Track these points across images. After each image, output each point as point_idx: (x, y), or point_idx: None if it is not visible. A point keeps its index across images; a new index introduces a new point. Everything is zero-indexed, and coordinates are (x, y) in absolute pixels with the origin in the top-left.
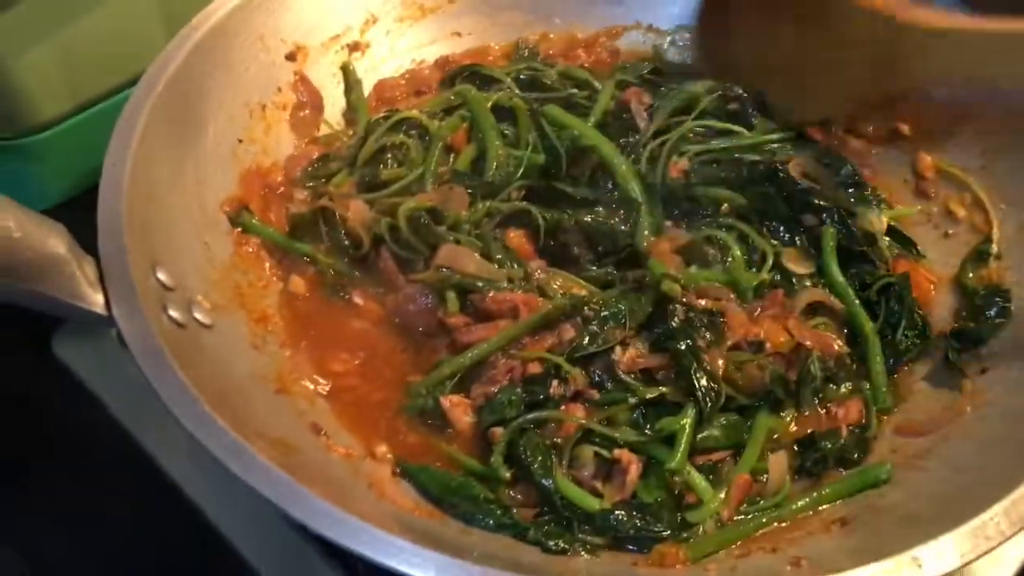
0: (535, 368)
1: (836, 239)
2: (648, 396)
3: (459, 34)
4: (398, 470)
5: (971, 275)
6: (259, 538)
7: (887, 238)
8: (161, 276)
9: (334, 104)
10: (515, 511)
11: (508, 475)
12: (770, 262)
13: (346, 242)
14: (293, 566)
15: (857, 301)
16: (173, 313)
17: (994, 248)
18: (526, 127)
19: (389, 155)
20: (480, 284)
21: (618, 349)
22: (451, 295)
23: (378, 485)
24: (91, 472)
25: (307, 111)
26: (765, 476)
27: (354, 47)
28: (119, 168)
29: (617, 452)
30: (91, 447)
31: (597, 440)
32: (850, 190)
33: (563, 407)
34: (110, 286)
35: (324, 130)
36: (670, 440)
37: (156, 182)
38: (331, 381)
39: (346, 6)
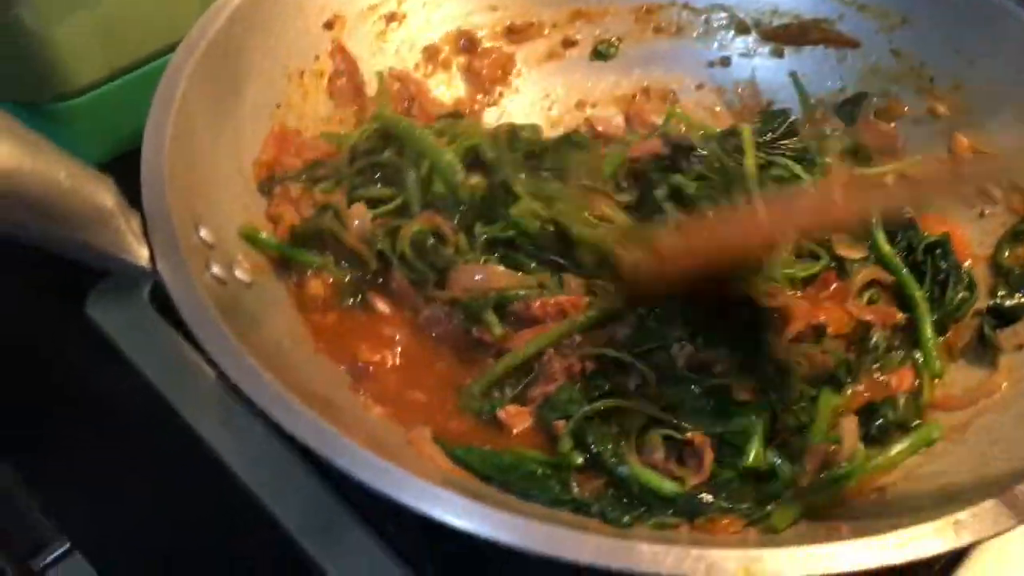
0: (592, 366)
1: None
2: (711, 384)
3: (495, 8)
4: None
5: (1007, 254)
6: (292, 500)
7: None
8: (203, 234)
9: (369, 78)
10: (576, 487)
11: (580, 460)
12: (825, 260)
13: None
14: (325, 527)
15: (905, 269)
16: (216, 270)
17: None
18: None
19: (379, 172)
20: (520, 293)
21: (675, 345)
22: (490, 315)
23: (417, 443)
24: (120, 434)
25: (344, 80)
26: (833, 446)
27: (391, 17)
28: (161, 129)
29: (690, 434)
30: (121, 409)
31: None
32: None
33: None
34: (155, 241)
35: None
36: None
37: (197, 144)
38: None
39: None
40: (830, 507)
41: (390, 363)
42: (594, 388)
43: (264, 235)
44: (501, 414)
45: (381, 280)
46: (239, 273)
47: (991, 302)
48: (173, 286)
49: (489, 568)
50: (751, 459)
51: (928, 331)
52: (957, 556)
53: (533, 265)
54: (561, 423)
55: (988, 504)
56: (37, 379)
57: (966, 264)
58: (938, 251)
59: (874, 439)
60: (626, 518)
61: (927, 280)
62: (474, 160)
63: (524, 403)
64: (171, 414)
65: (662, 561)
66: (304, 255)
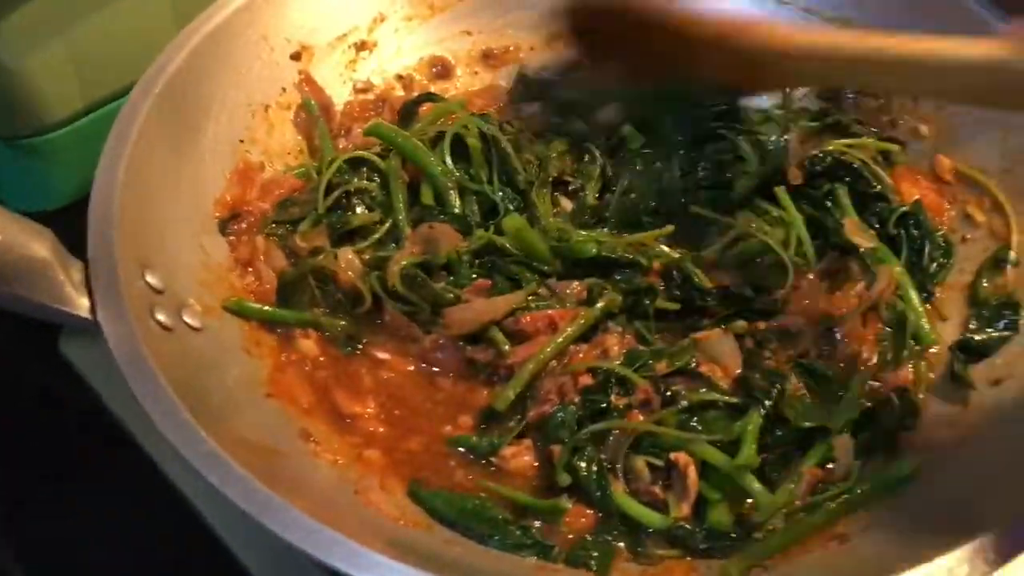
0: (587, 380)
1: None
2: (705, 399)
3: (469, 32)
4: (408, 494)
5: (986, 283)
6: (263, 551)
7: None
8: (151, 279)
9: (340, 106)
10: (536, 529)
11: (569, 504)
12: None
13: (340, 298)
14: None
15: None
16: (160, 317)
17: (1012, 255)
18: (480, 163)
19: (355, 199)
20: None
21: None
22: (496, 333)
23: (364, 493)
24: (93, 475)
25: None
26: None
27: (361, 46)
28: (113, 170)
29: (673, 456)
30: (94, 449)
31: (649, 449)
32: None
33: (627, 416)
34: (96, 290)
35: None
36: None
37: (152, 184)
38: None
39: (353, 5)
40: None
41: (374, 411)
42: (596, 403)
43: (252, 304)
44: (502, 457)
45: (378, 321)
46: (188, 318)
47: (961, 336)
48: (111, 337)
49: None
50: (744, 458)
51: (915, 301)
52: None
53: (526, 273)
54: (557, 448)
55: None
56: (10, 416)
57: (943, 207)
58: (911, 221)
59: (874, 450)
60: (593, 561)
61: (903, 253)
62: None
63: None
64: (140, 454)
65: None
66: (296, 315)
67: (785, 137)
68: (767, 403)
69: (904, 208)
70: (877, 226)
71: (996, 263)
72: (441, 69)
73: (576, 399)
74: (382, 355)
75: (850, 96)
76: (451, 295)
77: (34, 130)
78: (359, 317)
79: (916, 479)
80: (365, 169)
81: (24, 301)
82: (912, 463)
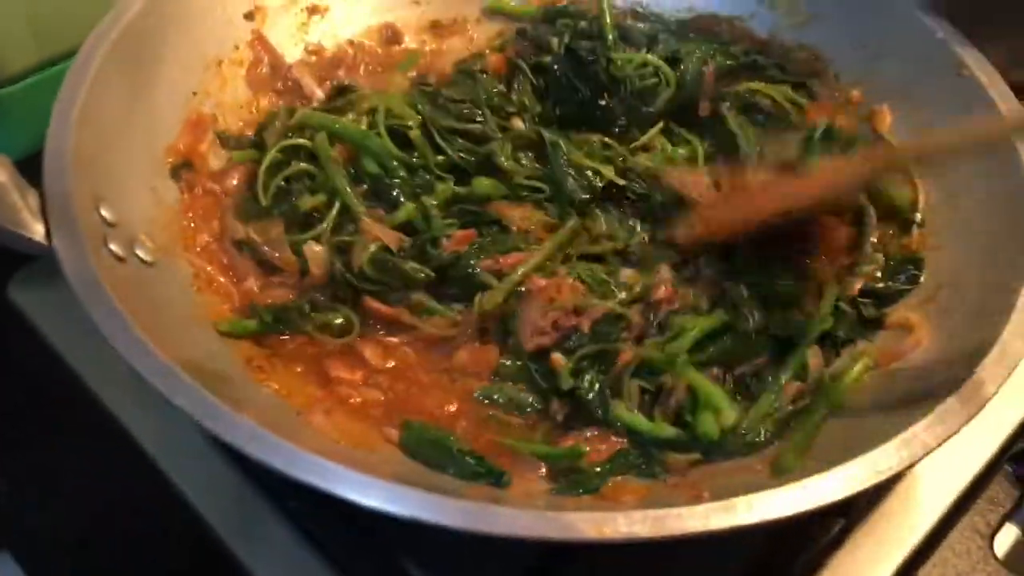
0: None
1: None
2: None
3: (418, 3)
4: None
5: (895, 242)
6: (211, 490)
7: None
8: (104, 212)
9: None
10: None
11: (587, 448)
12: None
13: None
14: (243, 518)
15: None
16: (113, 247)
17: (918, 216)
18: (424, 152)
19: (296, 184)
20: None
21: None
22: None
23: (307, 415)
24: (43, 418)
25: (264, 68)
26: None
27: (313, 10)
28: (68, 109)
29: (663, 378)
30: (44, 393)
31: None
32: None
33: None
34: (51, 217)
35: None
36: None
37: (106, 124)
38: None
39: None
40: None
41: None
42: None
43: (247, 323)
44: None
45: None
46: (140, 252)
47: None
48: (65, 259)
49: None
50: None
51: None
52: None
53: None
54: (559, 357)
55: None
56: None
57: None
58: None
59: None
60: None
61: None
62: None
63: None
64: (90, 397)
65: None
66: (292, 328)
67: (703, 69)
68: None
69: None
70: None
71: (903, 224)
72: (391, 35)
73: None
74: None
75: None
76: (421, 274)
77: None
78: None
79: None
80: (302, 152)
81: None
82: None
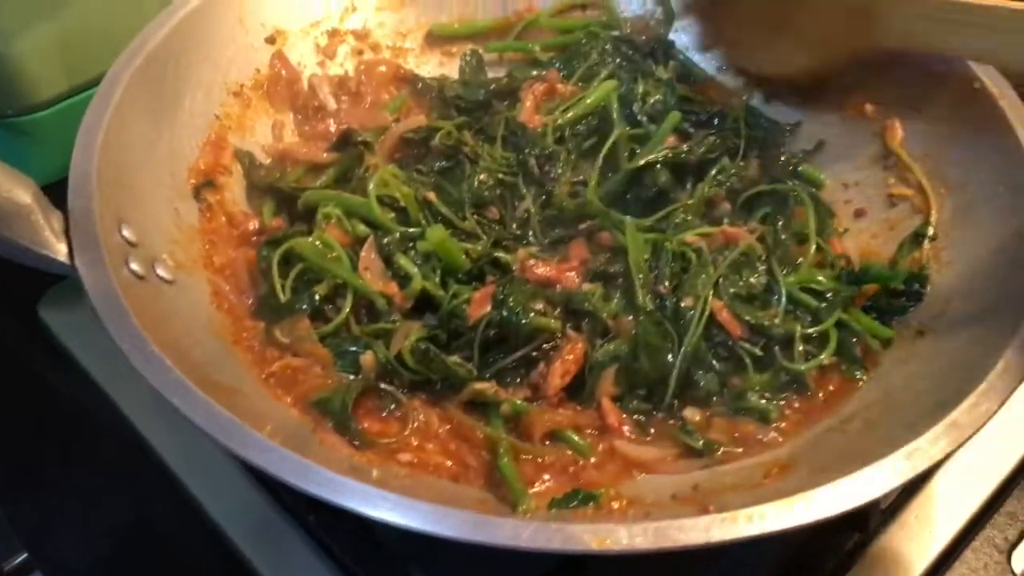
0: None
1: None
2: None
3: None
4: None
5: (906, 256)
6: (233, 505)
7: None
8: (126, 233)
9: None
10: None
11: None
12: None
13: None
14: (264, 533)
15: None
16: (134, 266)
17: (931, 230)
18: (417, 216)
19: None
20: None
21: None
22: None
23: (321, 433)
24: (68, 435)
25: (282, 85)
26: None
27: (333, 34)
28: (93, 132)
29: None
30: (71, 410)
31: None
32: None
33: None
34: (75, 237)
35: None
36: None
37: (129, 147)
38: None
39: None
40: None
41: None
42: None
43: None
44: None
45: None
46: (161, 271)
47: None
48: (87, 279)
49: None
50: None
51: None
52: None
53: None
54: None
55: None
56: None
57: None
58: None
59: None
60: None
61: None
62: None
63: None
64: (117, 415)
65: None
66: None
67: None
68: None
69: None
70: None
71: (916, 237)
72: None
73: None
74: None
75: None
76: (463, 370)
77: (19, 110)
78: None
79: None
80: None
81: (6, 243)
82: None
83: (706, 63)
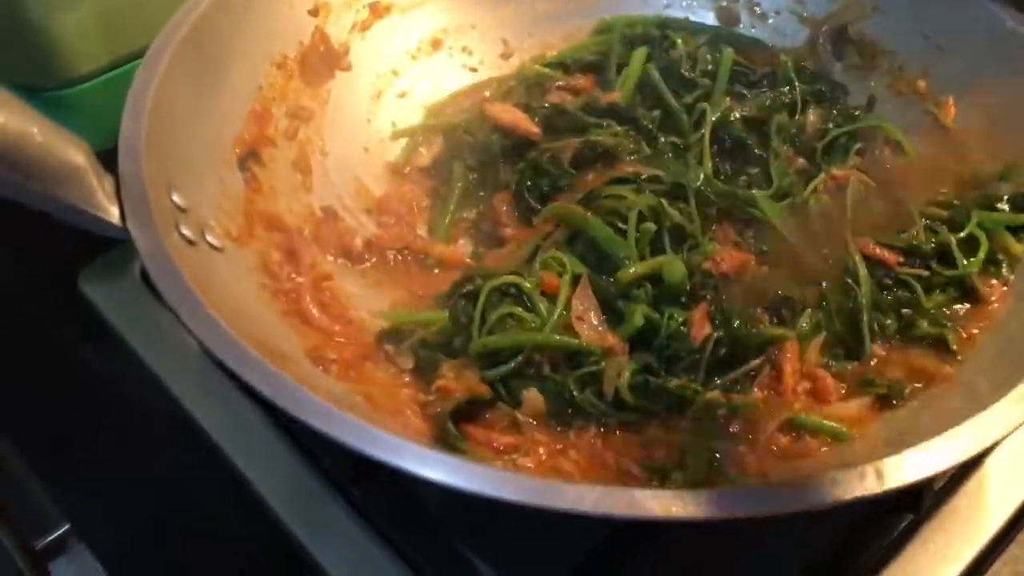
0: None
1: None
2: None
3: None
4: None
5: None
6: (278, 479)
7: None
8: (176, 198)
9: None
10: None
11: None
12: None
13: None
14: (309, 508)
15: None
16: (185, 231)
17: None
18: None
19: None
20: None
21: None
22: None
23: (372, 400)
24: (112, 409)
25: (318, 59)
26: None
27: (375, 7)
28: (141, 100)
29: None
30: (113, 385)
31: None
32: None
33: None
34: (126, 200)
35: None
36: None
37: (176, 115)
38: None
39: None
40: None
41: None
42: None
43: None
44: None
45: None
46: (211, 238)
47: None
48: (140, 241)
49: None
50: None
51: None
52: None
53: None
54: None
55: None
56: (31, 352)
57: None
58: None
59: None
60: None
61: None
62: None
63: None
64: (160, 389)
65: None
66: None
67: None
68: None
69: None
70: None
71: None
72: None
73: None
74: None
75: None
76: (690, 389)
77: (59, 83)
78: None
79: None
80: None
81: (61, 203)
82: None
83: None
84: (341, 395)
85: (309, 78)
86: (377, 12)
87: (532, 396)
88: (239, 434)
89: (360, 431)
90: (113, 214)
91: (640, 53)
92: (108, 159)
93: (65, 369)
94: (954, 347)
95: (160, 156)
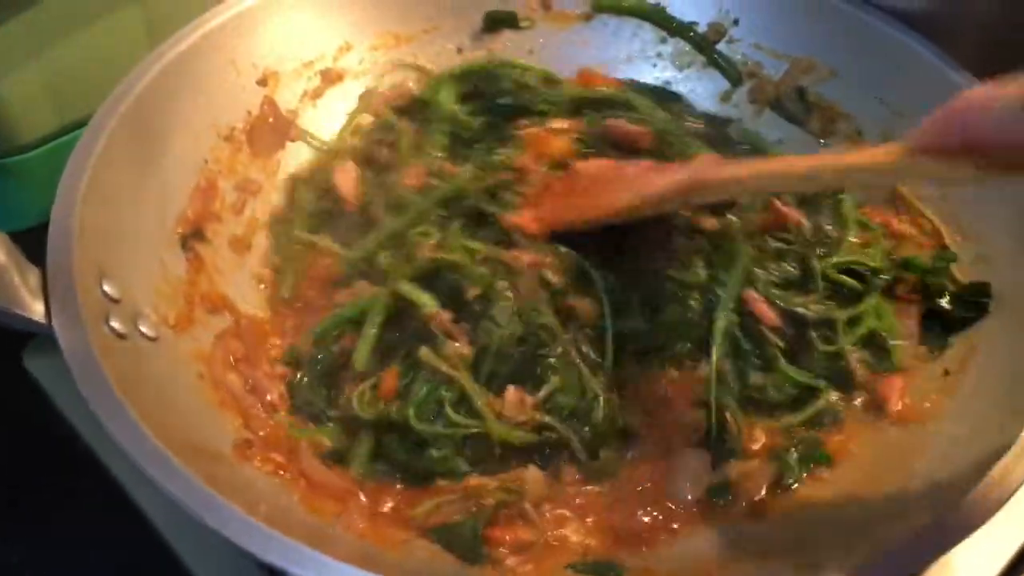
0: None
1: None
2: None
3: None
4: None
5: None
6: (218, 565)
7: None
8: (107, 288)
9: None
10: None
11: None
12: None
13: None
14: None
15: None
16: (115, 324)
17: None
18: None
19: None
20: None
21: None
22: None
23: (307, 501)
24: (57, 491)
25: (266, 130)
26: None
27: (326, 74)
28: (75, 182)
29: None
30: (57, 464)
31: None
32: None
33: None
34: (52, 295)
35: None
36: None
37: (114, 196)
38: None
39: (320, 33)
40: None
41: None
42: None
43: None
44: None
45: None
46: (144, 327)
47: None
48: (63, 340)
49: None
50: None
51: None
52: None
53: None
54: None
55: None
56: None
57: None
58: None
59: None
60: None
61: None
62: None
63: None
64: (101, 469)
65: None
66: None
67: None
68: None
69: None
70: None
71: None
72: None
73: None
74: None
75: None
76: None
77: (5, 151)
78: None
79: None
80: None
81: None
82: None
83: None
84: (275, 491)
85: (258, 149)
86: (329, 79)
87: (535, 475)
88: (182, 520)
89: (283, 548)
90: (37, 311)
91: None
92: None
93: (11, 442)
94: None
95: (94, 243)
